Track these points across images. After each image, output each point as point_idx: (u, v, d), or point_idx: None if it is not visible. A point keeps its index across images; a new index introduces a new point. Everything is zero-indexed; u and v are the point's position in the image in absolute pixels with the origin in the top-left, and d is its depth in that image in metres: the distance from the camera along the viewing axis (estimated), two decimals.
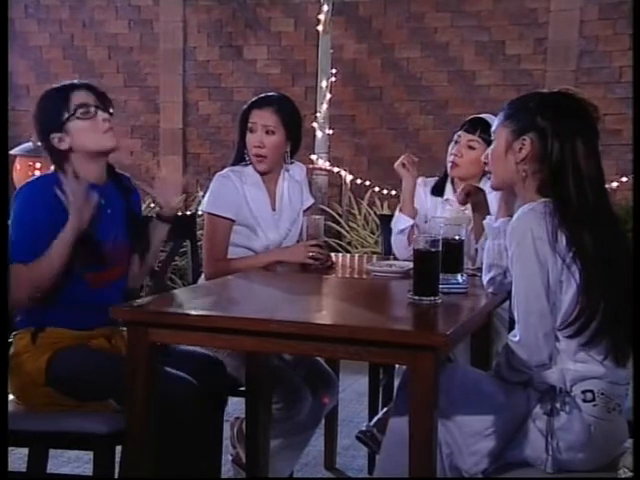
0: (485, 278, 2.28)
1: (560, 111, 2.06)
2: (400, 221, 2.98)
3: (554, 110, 2.06)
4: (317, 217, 2.90)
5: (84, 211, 2.24)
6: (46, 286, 2.24)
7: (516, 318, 2.01)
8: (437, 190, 3.04)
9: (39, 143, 2.44)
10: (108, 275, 2.39)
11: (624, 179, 5.14)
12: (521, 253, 1.97)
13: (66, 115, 2.34)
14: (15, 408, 2.28)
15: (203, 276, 2.87)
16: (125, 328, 2.31)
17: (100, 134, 2.37)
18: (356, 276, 2.88)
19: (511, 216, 2.21)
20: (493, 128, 2.19)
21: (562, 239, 1.95)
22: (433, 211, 2.98)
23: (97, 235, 2.33)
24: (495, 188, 2.24)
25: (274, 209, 2.93)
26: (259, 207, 2.89)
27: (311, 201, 3.07)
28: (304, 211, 3.02)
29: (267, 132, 2.85)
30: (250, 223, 2.87)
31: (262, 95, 3.00)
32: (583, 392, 1.96)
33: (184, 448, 2.20)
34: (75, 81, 2.43)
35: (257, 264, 2.78)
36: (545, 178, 2.03)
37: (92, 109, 2.37)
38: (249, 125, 2.87)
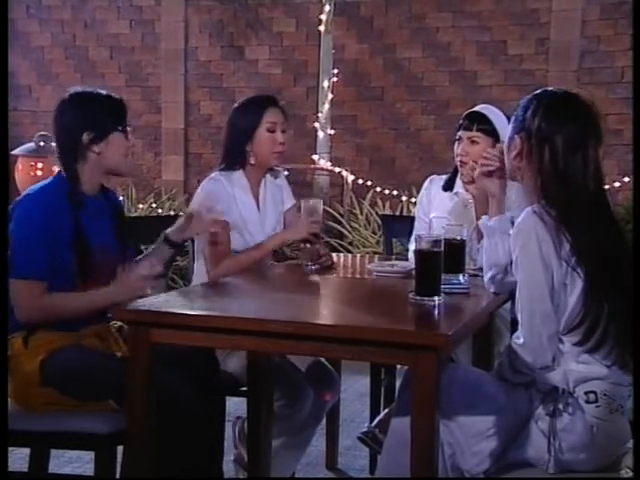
0: (485, 277, 2.28)
1: (543, 109, 2.04)
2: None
3: (540, 109, 2.04)
4: (315, 200, 2.90)
5: (137, 292, 2.29)
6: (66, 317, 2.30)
7: (520, 320, 2.00)
8: (448, 185, 3.04)
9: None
10: (101, 284, 2.38)
11: (626, 179, 5.14)
12: (526, 255, 1.97)
13: (117, 126, 2.41)
14: (16, 409, 2.27)
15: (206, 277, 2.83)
16: (115, 323, 2.36)
17: (123, 157, 2.45)
18: (358, 276, 2.88)
19: (502, 213, 2.30)
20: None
21: (564, 241, 1.94)
22: (443, 206, 2.97)
23: (91, 253, 2.35)
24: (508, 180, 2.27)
25: (259, 211, 2.95)
26: (247, 209, 2.90)
27: (292, 202, 3.07)
28: (286, 211, 3.05)
29: (282, 131, 2.91)
30: (238, 225, 2.87)
31: (264, 95, 3.05)
32: (586, 393, 1.96)
33: (184, 447, 2.20)
34: (118, 96, 2.47)
35: (261, 254, 2.80)
36: (538, 181, 2.03)
37: (128, 131, 2.45)
38: (267, 125, 2.88)
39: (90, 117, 2.38)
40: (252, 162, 2.91)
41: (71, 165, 2.38)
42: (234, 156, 2.92)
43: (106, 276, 2.41)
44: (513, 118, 2.14)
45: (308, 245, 2.82)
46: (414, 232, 2.94)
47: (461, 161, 2.89)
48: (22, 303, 2.25)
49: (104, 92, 2.46)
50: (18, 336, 2.29)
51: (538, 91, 2.13)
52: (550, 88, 2.15)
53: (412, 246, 2.82)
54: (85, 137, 2.37)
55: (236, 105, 2.98)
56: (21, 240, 2.25)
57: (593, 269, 1.94)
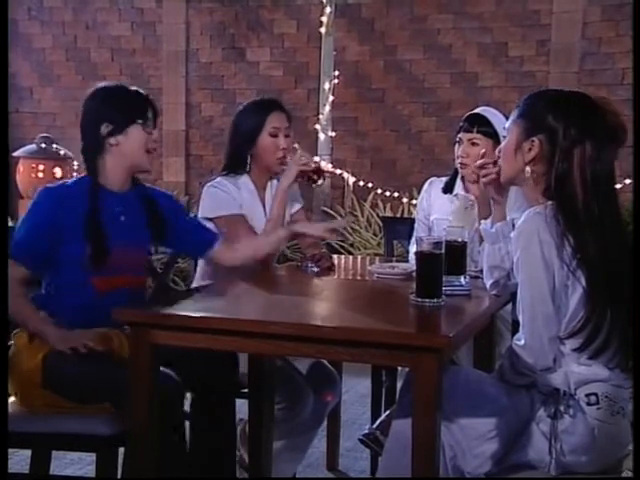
0: (488, 282, 2.27)
1: (572, 113, 2.01)
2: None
3: (566, 111, 2.02)
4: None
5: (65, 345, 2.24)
6: None
7: (521, 322, 1.99)
8: (448, 187, 3.04)
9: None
10: (117, 281, 2.36)
11: (627, 181, 5.13)
12: (527, 256, 1.96)
13: (137, 119, 2.38)
14: (17, 410, 2.27)
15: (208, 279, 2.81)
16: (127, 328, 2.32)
17: (142, 150, 2.40)
18: (358, 278, 2.88)
19: (505, 218, 2.26)
20: (507, 124, 2.16)
21: (567, 244, 1.93)
22: (443, 208, 2.97)
23: (105, 240, 2.32)
24: (503, 184, 2.24)
25: (266, 216, 2.94)
26: (253, 214, 2.89)
27: (299, 205, 3.06)
28: (292, 215, 3.03)
29: (286, 135, 2.90)
30: None
31: (267, 98, 3.04)
32: (587, 395, 1.95)
33: (184, 448, 2.20)
34: (142, 91, 2.46)
35: (275, 221, 2.81)
36: (551, 181, 2.01)
37: (151, 125, 2.42)
38: (271, 130, 2.87)
39: (109, 109, 2.38)
40: (255, 167, 2.91)
41: (92, 158, 2.39)
42: (237, 160, 2.91)
43: (123, 274, 2.38)
44: (519, 120, 2.08)
45: (315, 182, 2.89)
46: (414, 234, 2.95)
47: (462, 163, 2.89)
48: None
49: (131, 87, 2.45)
50: (24, 330, 2.29)
51: (547, 90, 2.11)
52: (556, 88, 2.13)
53: (413, 248, 2.82)
54: (103, 129, 2.36)
55: (240, 108, 2.96)
56: (22, 223, 2.28)
57: (596, 277, 1.93)
